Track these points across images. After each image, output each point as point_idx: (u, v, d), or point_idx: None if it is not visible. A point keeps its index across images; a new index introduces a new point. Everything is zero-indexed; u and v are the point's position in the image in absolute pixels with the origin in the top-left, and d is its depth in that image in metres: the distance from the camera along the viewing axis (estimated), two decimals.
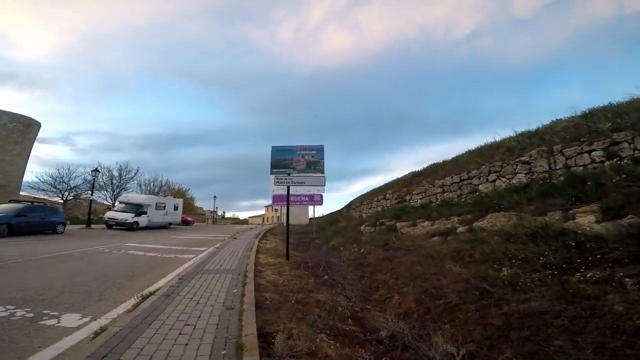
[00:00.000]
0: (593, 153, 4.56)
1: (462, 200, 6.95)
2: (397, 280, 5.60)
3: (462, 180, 7.19)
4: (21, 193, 27.20)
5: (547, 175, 5.11)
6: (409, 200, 9.76)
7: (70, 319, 3.13)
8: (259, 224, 51.32)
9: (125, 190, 28.70)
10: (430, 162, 11.42)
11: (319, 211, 42.72)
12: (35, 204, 13.49)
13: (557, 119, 6.86)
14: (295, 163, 17.49)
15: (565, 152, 4.94)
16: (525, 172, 5.57)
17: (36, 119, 28.97)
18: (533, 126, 7.19)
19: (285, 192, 16.61)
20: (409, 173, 12.62)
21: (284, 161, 17.47)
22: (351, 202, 19.41)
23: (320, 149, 17.72)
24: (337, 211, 24.81)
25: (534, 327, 2.84)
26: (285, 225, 20.69)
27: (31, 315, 3.16)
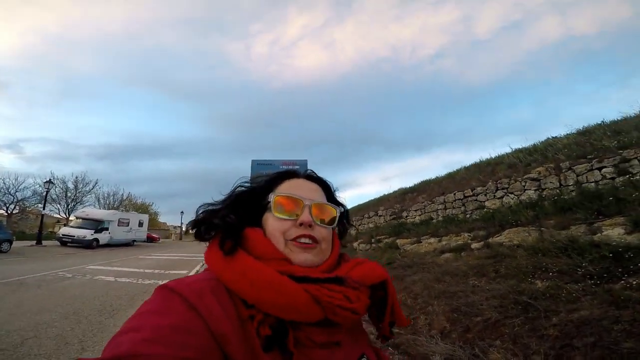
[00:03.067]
0: (603, 170, 4.99)
1: (468, 216, 7.20)
2: (416, 299, 5.56)
3: (466, 197, 7.48)
4: None
5: (558, 191, 5.47)
6: (406, 216, 9.94)
7: None
8: None
9: (81, 204, 26.54)
10: (421, 179, 11.86)
11: None
12: None
13: (552, 137, 7.51)
14: None
15: (576, 169, 5.36)
16: (534, 188, 5.94)
17: None
18: (528, 142, 7.79)
19: None
20: (399, 189, 12.97)
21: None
22: None
23: (303, 164, 17.67)
24: None
25: (596, 333, 2.93)
26: None
27: None
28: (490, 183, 6.86)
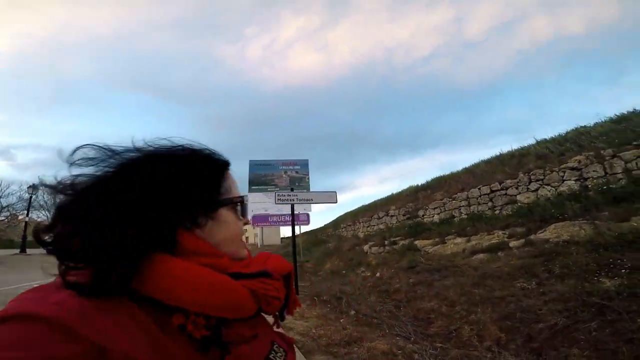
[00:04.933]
0: None
1: (497, 212, 6.89)
2: (454, 307, 5.17)
3: (493, 192, 7.18)
4: None
5: (604, 180, 5.19)
6: (423, 215, 9.60)
7: None
8: None
9: None
10: (434, 176, 11.58)
11: (283, 230, 41.61)
12: None
13: (581, 126, 7.31)
14: (277, 180, 16.77)
15: (623, 156, 5.09)
16: (575, 178, 5.66)
17: None
18: (555, 132, 7.56)
19: (266, 212, 15.60)
20: (409, 187, 12.67)
21: (264, 177, 16.68)
22: (338, 220, 18.93)
23: (304, 164, 17.24)
24: (314, 230, 24.07)
25: None
26: (260, 246, 19.20)
27: None
28: (521, 175, 6.56)
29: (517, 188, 6.62)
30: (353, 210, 17.15)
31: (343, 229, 16.13)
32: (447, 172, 10.99)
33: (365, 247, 11.24)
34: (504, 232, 6.15)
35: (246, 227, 0.58)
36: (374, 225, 12.53)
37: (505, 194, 6.87)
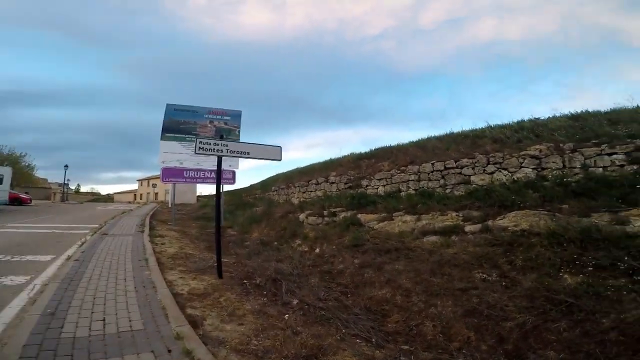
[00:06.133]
0: (614, 156, 4.98)
1: (449, 191, 6.88)
2: (409, 298, 4.96)
3: (447, 169, 7.13)
4: None
5: (561, 173, 5.38)
6: (367, 186, 9.33)
7: None
8: (129, 202, 43.91)
9: None
10: (377, 146, 11.37)
11: (200, 188, 38.66)
12: None
13: (535, 117, 7.64)
14: (201, 129, 14.65)
15: (584, 152, 5.29)
16: (533, 166, 5.80)
17: None
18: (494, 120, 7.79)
19: (181, 165, 13.56)
20: (352, 154, 12.30)
21: (183, 124, 14.38)
22: (267, 182, 17.88)
23: (236, 115, 15.36)
24: (238, 190, 22.69)
25: None
26: (171, 205, 17.18)
27: None
28: (480, 156, 6.54)
29: (473, 168, 6.63)
30: (287, 172, 16.35)
31: (274, 192, 15.29)
32: (371, 147, 11.02)
33: (301, 216, 10.70)
34: (457, 214, 6.14)
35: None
36: (311, 192, 11.99)
37: (460, 173, 6.87)
